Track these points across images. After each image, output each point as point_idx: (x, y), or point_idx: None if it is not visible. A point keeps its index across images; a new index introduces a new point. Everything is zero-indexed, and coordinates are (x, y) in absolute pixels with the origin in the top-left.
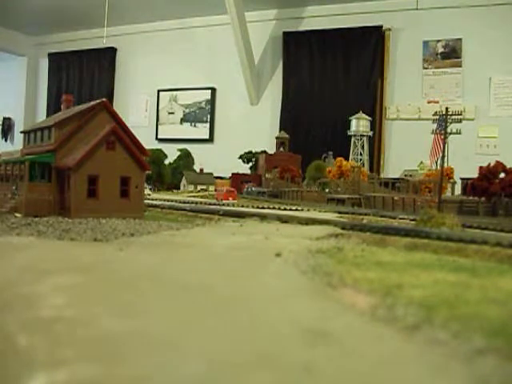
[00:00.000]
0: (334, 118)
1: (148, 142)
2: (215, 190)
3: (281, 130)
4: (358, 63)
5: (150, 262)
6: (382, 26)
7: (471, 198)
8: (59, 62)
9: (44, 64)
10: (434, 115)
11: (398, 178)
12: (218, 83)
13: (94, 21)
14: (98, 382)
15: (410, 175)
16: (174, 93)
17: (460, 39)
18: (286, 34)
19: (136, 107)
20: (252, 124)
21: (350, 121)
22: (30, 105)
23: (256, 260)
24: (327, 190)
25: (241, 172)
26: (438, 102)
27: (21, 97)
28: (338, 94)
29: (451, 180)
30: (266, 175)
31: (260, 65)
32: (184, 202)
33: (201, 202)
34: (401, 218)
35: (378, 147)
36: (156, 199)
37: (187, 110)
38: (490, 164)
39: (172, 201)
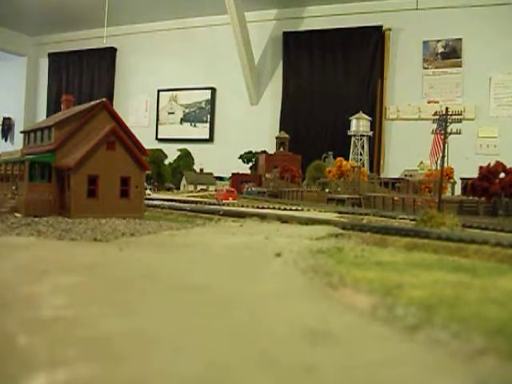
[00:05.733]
0: (334, 118)
1: (148, 142)
2: (215, 190)
3: (281, 130)
4: (358, 63)
5: (150, 262)
6: (382, 26)
7: (471, 198)
8: (59, 61)
9: (44, 64)
10: (434, 115)
11: (397, 178)
12: (218, 83)
13: (94, 21)
14: (98, 382)
15: (410, 175)
16: (174, 93)
17: (460, 39)
18: (286, 34)
19: (136, 107)
20: (252, 124)
21: (349, 121)
22: (30, 105)
23: (256, 260)
24: (327, 190)
25: (241, 172)
26: (437, 102)
27: (21, 97)
28: (338, 94)
29: (451, 180)
30: (266, 175)
31: (260, 65)
32: (184, 202)
33: (201, 202)
34: (401, 218)
35: (378, 147)
36: (156, 199)
37: (187, 110)
38: (489, 164)
39: (172, 201)
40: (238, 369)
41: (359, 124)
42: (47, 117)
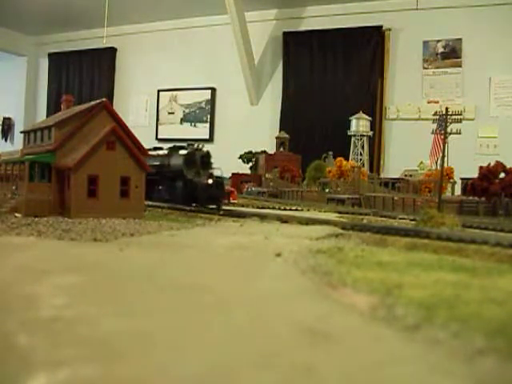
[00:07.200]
0: (334, 118)
1: (148, 142)
2: None
3: (281, 130)
4: (358, 63)
5: (150, 262)
6: (382, 26)
7: (471, 197)
8: (59, 62)
9: (44, 64)
10: (434, 115)
11: (397, 178)
12: (218, 83)
13: (94, 21)
14: (98, 382)
15: (410, 175)
16: (174, 93)
17: (460, 39)
18: (286, 34)
19: (136, 107)
20: (252, 124)
21: (349, 121)
22: (30, 105)
23: (256, 260)
24: (327, 190)
25: (241, 172)
26: (437, 102)
27: (21, 97)
28: (338, 94)
29: (451, 180)
30: (266, 175)
31: (260, 65)
32: None
33: None
34: (401, 218)
35: (378, 147)
36: None
37: (187, 110)
38: (489, 164)
39: None
40: (238, 369)
41: (359, 124)
42: (47, 117)
